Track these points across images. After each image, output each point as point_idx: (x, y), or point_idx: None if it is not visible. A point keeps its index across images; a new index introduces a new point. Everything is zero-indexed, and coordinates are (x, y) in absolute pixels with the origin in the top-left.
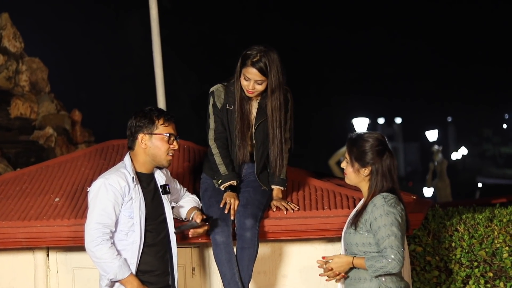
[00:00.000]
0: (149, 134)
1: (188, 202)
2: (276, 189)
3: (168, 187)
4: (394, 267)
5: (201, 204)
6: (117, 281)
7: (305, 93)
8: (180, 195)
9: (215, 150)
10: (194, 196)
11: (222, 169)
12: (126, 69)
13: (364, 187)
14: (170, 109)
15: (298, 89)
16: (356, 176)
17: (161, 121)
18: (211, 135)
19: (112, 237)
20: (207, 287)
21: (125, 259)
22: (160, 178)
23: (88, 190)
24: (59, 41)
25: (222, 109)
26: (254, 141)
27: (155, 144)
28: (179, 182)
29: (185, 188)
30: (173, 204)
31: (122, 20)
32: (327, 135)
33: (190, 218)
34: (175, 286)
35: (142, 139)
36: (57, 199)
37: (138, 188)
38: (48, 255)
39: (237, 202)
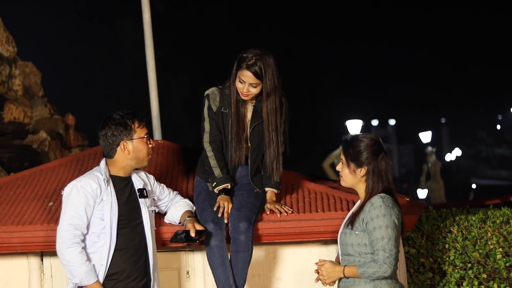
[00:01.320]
0: (130, 140)
1: (181, 207)
2: (270, 192)
3: (146, 191)
4: (386, 270)
5: (194, 208)
6: (82, 287)
7: (298, 96)
8: (169, 199)
9: (210, 153)
10: (186, 200)
11: (217, 172)
12: (119, 72)
13: (361, 188)
14: (164, 113)
15: (292, 92)
16: (352, 177)
17: (136, 125)
18: (206, 138)
19: (84, 240)
20: None
21: (94, 266)
22: (138, 182)
23: (62, 193)
24: (52, 45)
25: (217, 112)
26: (249, 144)
27: (137, 148)
28: (172, 186)
29: (175, 192)
30: (166, 209)
31: (115, 24)
32: (321, 137)
33: (184, 226)
34: None
35: (124, 146)
36: (51, 204)
37: (110, 190)
38: (42, 259)
39: (230, 206)
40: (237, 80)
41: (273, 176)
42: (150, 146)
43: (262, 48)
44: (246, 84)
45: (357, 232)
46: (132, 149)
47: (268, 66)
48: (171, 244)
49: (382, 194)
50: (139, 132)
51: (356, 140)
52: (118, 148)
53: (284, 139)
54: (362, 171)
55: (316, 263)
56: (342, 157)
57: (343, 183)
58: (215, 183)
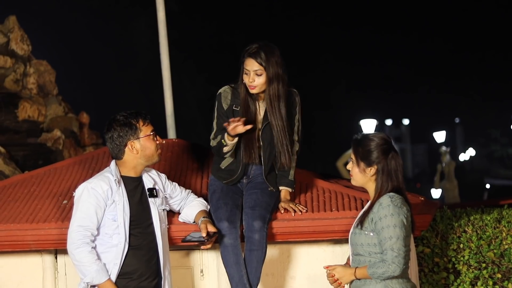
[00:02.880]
0: (136, 139)
1: (195, 206)
2: (284, 191)
3: (156, 191)
4: (395, 270)
5: (209, 207)
6: (94, 286)
7: (312, 94)
8: (182, 197)
9: (213, 142)
10: (201, 199)
11: (220, 136)
12: (133, 71)
13: (371, 187)
14: (178, 112)
15: (306, 90)
16: (362, 176)
17: (141, 123)
18: (211, 136)
19: (94, 241)
20: None
21: (104, 264)
22: (148, 181)
23: (73, 194)
24: (66, 44)
25: (229, 110)
26: (261, 142)
27: (145, 146)
28: (186, 184)
29: (188, 190)
30: (179, 208)
31: (129, 23)
32: (335, 136)
33: (199, 227)
34: None
35: (132, 146)
36: (65, 202)
37: (122, 191)
38: (56, 257)
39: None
40: (243, 73)
41: (285, 164)
42: (157, 142)
43: (267, 41)
44: (251, 73)
45: (366, 232)
46: (140, 148)
47: (271, 54)
48: (182, 243)
49: (391, 194)
50: (145, 130)
51: (366, 139)
52: (126, 149)
53: (298, 138)
54: (372, 170)
55: (326, 267)
56: (352, 156)
57: (353, 182)
58: (225, 134)
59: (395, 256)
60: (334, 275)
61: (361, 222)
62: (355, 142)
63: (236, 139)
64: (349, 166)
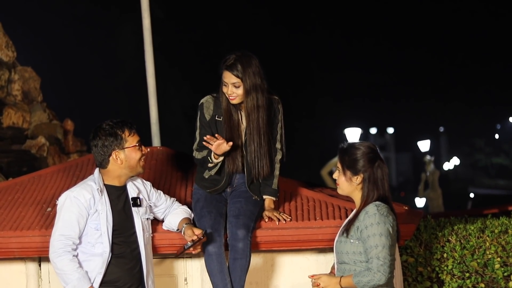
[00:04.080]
0: (121, 149)
1: (179, 214)
2: (268, 200)
3: (140, 200)
4: (380, 279)
5: (192, 215)
6: None
7: (296, 102)
8: (166, 206)
9: (197, 154)
10: (185, 207)
11: (206, 152)
12: (118, 78)
13: (357, 196)
14: (163, 119)
15: (290, 99)
16: (348, 185)
17: (127, 133)
18: (194, 146)
19: (75, 249)
20: None
21: (86, 272)
22: (132, 190)
23: (56, 202)
24: (52, 51)
25: (211, 120)
26: (244, 152)
27: (129, 156)
28: (170, 193)
29: (173, 199)
30: (163, 216)
31: (115, 30)
32: (319, 145)
33: (182, 233)
34: None
35: (117, 156)
36: (49, 209)
37: (104, 200)
38: (40, 265)
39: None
40: (223, 84)
41: (258, 175)
42: (142, 152)
43: (244, 51)
44: (229, 85)
45: (352, 240)
46: (124, 158)
47: (248, 65)
48: (178, 256)
49: (377, 202)
50: (131, 141)
51: (353, 148)
52: (111, 158)
53: (281, 146)
54: (358, 179)
55: (311, 277)
56: (339, 165)
57: (339, 191)
58: (212, 153)
59: (380, 264)
60: (319, 284)
61: (347, 230)
62: (341, 151)
63: (222, 157)
64: (335, 175)
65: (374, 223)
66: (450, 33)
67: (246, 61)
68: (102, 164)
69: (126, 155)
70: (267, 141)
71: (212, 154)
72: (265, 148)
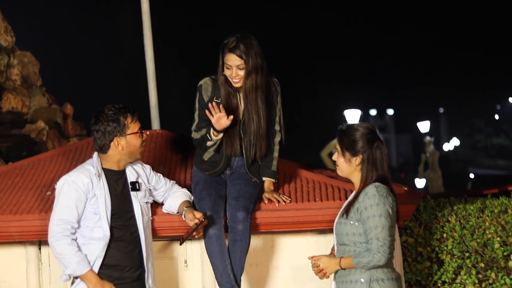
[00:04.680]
0: (123, 136)
1: (179, 197)
2: (268, 181)
3: (138, 184)
4: (380, 259)
5: (192, 197)
6: (76, 277)
7: (296, 84)
8: (166, 189)
9: (195, 135)
10: (184, 190)
11: (205, 130)
12: (118, 62)
13: (356, 177)
14: (162, 103)
15: (289, 80)
16: (348, 166)
17: (129, 120)
18: (193, 128)
19: (74, 233)
20: (199, 280)
21: (86, 255)
22: (131, 174)
23: (55, 186)
24: (50, 35)
25: (210, 102)
26: (242, 134)
27: (131, 143)
28: (170, 175)
29: (172, 182)
30: (162, 199)
31: (114, 14)
32: (319, 126)
33: (183, 216)
34: (149, 281)
35: (118, 142)
36: (48, 193)
37: (103, 184)
38: (40, 248)
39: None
40: (225, 68)
41: (254, 155)
42: (143, 139)
43: (242, 32)
44: (233, 67)
45: (351, 222)
46: (125, 145)
47: (251, 46)
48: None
49: (376, 184)
50: (132, 128)
51: (351, 129)
52: (112, 144)
53: (280, 128)
54: (357, 160)
55: (310, 258)
56: (338, 146)
57: (339, 172)
58: (211, 129)
59: (380, 245)
60: (319, 265)
61: (347, 211)
62: (340, 133)
63: (221, 134)
64: (334, 157)
65: (373, 204)
66: (451, 16)
67: (248, 42)
68: (103, 149)
69: (128, 141)
70: (265, 121)
71: (212, 131)
72: (263, 129)
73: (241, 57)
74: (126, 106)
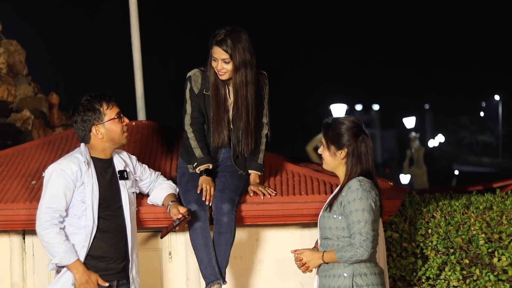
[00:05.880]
0: (101, 124)
1: (164, 189)
2: (253, 174)
3: (127, 173)
4: (363, 254)
5: (177, 189)
6: (62, 266)
7: (281, 78)
8: (151, 180)
9: (190, 135)
10: (170, 182)
11: (198, 152)
12: (104, 52)
13: (341, 171)
14: (148, 93)
15: (274, 74)
16: (332, 159)
17: (105, 107)
18: (187, 120)
19: (62, 222)
20: (184, 272)
21: (73, 245)
22: (119, 163)
23: (43, 174)
24: (37, 24)
25: (199, 94)
26: (231, 126)
27: (110, 129)
28: (155, 167)
29: (158, 173)
30: (147, 190)
31: (100, 4)
32: (304, 120)
33: (168, 211)
34: (133, 272)
35: (97, 130)
36: (33, 182)
37: (91, 173)
38: (24, 238)
39: (213, 189)
40: (212, 59)
41: (244, 151)
42: (123, 124)
43: (233, 25)
44: (219, 60)
45: (335, 216)
46: (105, 132)
47: (238, 41)
48: (163, 236)
49: (360, 178)
50: (109, 114)
51: (337, 122)
52: (91, 133)
53: (267, 121)
54: (342, 153)
55: (293, 251)
56: (323, 139)
57: (325, 166)
58: (196, 163)
59: (363, 240)
60: (302, 259)
61: (330, 205)
62: (325, 126)
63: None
64: (320, 150)
65: (356, 198)
66: (437, 12)
67: (236, 36)
68: (85, 139)
69: (107, 128)
70: (254, 117)
71: (197, 168)
72: (252, 124)
73: (226, 51)
74: (102, 93)
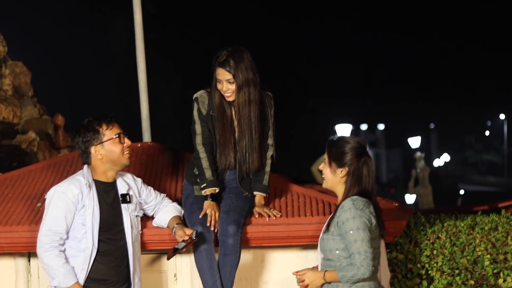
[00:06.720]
0: (100, 144)
1: (169, 211)
2: (259, 196)
3: (129, 196)
4: (364, 273)
5: (182, 211)
6: None
7: (287, 98)
8: (157, 202)
9: (203, 154)
10: (175, 204)
11: (208, 174)
12: (110, 73)
13: (340, 190)
14: (154, 115)
15: (281, 94)
16: (332, 177)
17: (104, 127)
18: (198, 140)
19: (63, 244)
20: None
21: (73, 268)
22: (122, 186)
23: (45, 196)
24: (43, 45)
25: (207, 115)
26: (236, 148)
27: (109, 150)
28: (160, 188)
29: (163, 195)
30: (153, 213)
31: (106, 25)
32: (310, 141)
33: (173, 233)
34: None
35: (96, 151)
36: (39, 204)
37: (93, 195)
38: (29, 260)
39: (217, 213)
40: (217, 81)
41: (249, 170)
42: (124, 144)
43: (235, 45)
44: (223, 82)
45: (333, 237)
46: (105, 153)
47: (241, 60)
48: (169, 259)
49: (354, 197)
50: (109, 134)
51: (342, 141)
52: (91, 154)
53: (272, 143)
54: (343, 171)
55: (295, 273)
56: (326, 156)
57: (324, 185)
58: (204, 184)
59: (363, 258)
60: (304, 280)
61: (328, 226)
62: (330, 143)
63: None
64: (321, 166)
65: (349, 217)
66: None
67: (238, 55)
68: (86, 161)
69: (106, 149)
70: (258, 136)
71: (204, 191)
72: (256, 143)
73: (229, 71)
74: (102, 114)
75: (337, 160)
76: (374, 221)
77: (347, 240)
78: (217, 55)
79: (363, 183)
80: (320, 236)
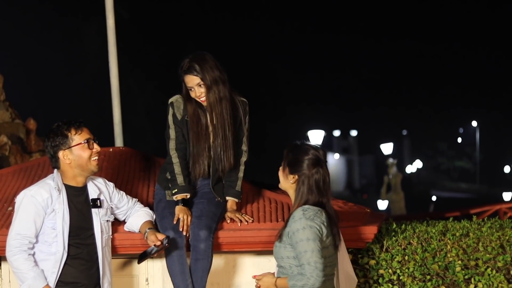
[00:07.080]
0: (68, 149)
1: (141, 216)
2: (231, 201)
3: (100, 201)
4: (314, 283)
5: (154, 216)
6: None
7: (260, 104)
8: (128, 207)
9: (175, 160)
10: (146, 209)
11: (180, 179)
12: (83, 78)
13: (291, 194)
14: (126, 119)
15: (254, 100)
16: (284, 180)
17: (73, 132)
18: (171, 145)
19: (32, 248)
20: None
21: (42, 271)
22: (93, 191)
23: (14, 200)
24: (14, 50)
25: (182, 120)
26: (211, 153)
27: (77, 155)
28: (132, 193)
29: (135, 200)
30: (124, 217)
31: (79, 30)
32: (283, 147)
33: (145, 238)
34: None
35: (64, 155)
36: (10, 209)
37: (62, 200)
38: (0, 264)
39: (189, 218)
40: (189, 90)
41: (225, 167)
42: (93, 150)
43: (196, 51)
44: (194, 88)
45: (285, 246)
46: (73, 158)
47: (204, 62)
48: (140, 262)
49: (305, 206)
50: (77, 139)
51: (300, 148)
52: (60, 159)
53: (246, 149)
54: (294, 178)
55: (254, 277)
56: (283, 158)
57: (280, 185)
58: (175, 190)
59: (313, 269)
60: (260, 285)
61: (280, 235)
62: (289, 147)
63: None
64: (280, 169)
65: (299, 228)
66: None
67: (200, 58)
68: (55, 165)
69: (74, 154)
70: (232, 132)
71: (174, 196)
72: (230, 139)
73: (197, 75)
74: (73, 119)
75: (290, 166)
76: (325, 230)
77: (297, 251)
78: (180, 65)
79: (315, 194)
80: (274, 244)
